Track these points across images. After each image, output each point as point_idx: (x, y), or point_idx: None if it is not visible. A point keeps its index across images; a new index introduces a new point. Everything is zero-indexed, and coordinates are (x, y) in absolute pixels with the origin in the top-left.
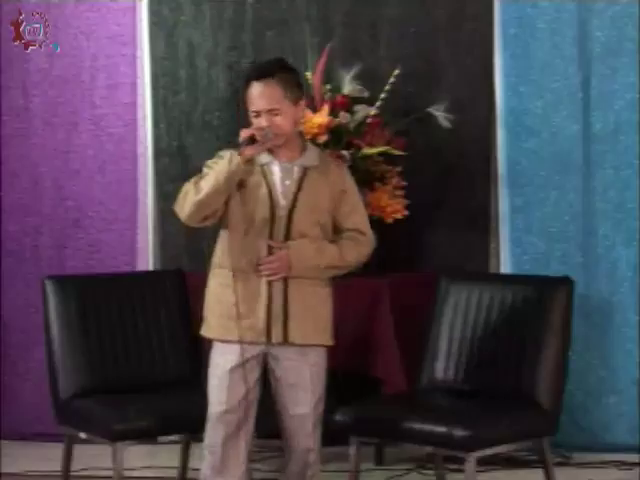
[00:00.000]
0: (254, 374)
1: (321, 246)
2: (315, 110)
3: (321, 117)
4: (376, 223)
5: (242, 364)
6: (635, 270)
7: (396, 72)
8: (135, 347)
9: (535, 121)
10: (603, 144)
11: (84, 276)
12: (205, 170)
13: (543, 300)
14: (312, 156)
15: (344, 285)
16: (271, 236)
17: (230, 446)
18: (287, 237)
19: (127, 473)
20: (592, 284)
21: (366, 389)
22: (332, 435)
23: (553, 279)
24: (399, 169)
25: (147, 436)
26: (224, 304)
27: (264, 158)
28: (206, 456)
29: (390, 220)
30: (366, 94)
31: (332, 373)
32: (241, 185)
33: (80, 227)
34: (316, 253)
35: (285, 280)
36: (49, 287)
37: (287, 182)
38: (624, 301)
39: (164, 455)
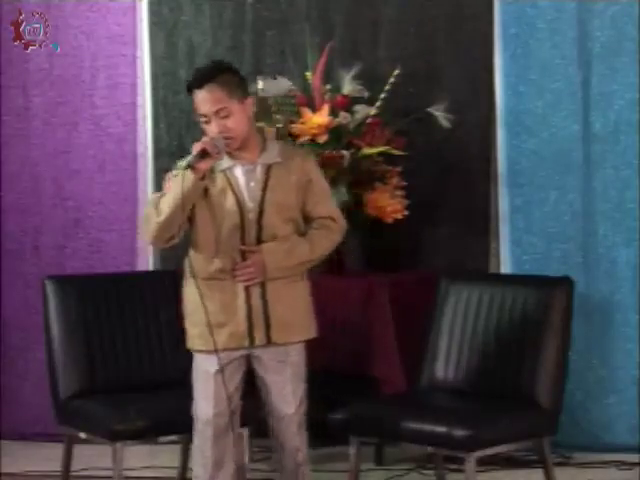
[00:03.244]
0: (236, 376)
1: (292, 245)
2: (315, 110)
3: (321, 117)
4: (376, 223)
5: (234, 363)
6: (635, 270)
7: (396, 72)
8: (135, 347)
9: (535, 121)
10: (603, 144)
11: (84, 276)
12: (166, 183)
13: (543, 300)
14: (273, 152)
15: (344, 285)
16: (243, 240)
17: (220, 447)
18: (259, 239)
19: (127, 473)
20: (592, 284)
21: (366, 389)
22: (332, 435)
23: (553, 279)
24: (399, 169)
25: (147, 436)
26: (200, 314)
27: (225, 163)
28: (197, 461)
29: (390, 220)
30: (366, 94)
31: (331, 373)
32: (205, 194)
33: (80, 227)
34: (288, 253)
35: (262, 282)
36: (49, 287)
37: (252, 184)
38: (624, 301)
39: (164, 455)
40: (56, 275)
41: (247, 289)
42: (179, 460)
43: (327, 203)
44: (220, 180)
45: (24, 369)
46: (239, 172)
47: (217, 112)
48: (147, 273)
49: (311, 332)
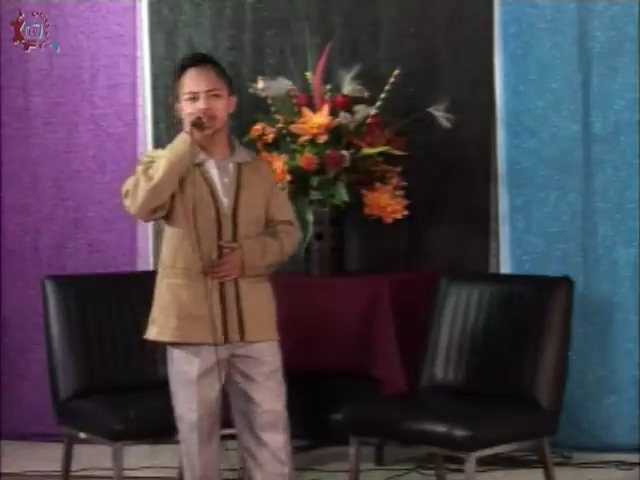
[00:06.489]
0: (222, 377)
1: (266, 244)
2: (315, 110)
3: (321, 117)
4: (376, 223)
5: (214, 366)
6: (635, 270)
7: (396, 72)
8: (135, 347)
9: (535, 121)
10: (603, 144)
11: (84, 276)
12: (140, 168)
13: (543, 300)
14: (244, 153)
15: (344, 285)
16: (219, 236)
17: (205, 451)
18: (234, 237)
19: (127, 473)
20: (592, 284)
21: (366, 389)
22: (332, 435)
23: (553, 279)
24: (399, 169)
25: (147, 436)
26: (186, 305)
27: (199, 157)
28: (185, 467)
29: (390, 220)
30: (366, 94)
31: (332, 373)
32: (180, 186)
33: (80, 227)
34: (263, 252)
35: (235, 279)
36: (49, 287)
37: (226, 180)
38: (624, 301)
39: (164, 455)
40: (56, 275)
41: (222, 285)
42: (179, 460)
43: (288, 208)
44: (194, 173)
45: (24, 369)
46: (212, 166)
47: (209, 91)
48: (147, 273)
49: (276, 334)
